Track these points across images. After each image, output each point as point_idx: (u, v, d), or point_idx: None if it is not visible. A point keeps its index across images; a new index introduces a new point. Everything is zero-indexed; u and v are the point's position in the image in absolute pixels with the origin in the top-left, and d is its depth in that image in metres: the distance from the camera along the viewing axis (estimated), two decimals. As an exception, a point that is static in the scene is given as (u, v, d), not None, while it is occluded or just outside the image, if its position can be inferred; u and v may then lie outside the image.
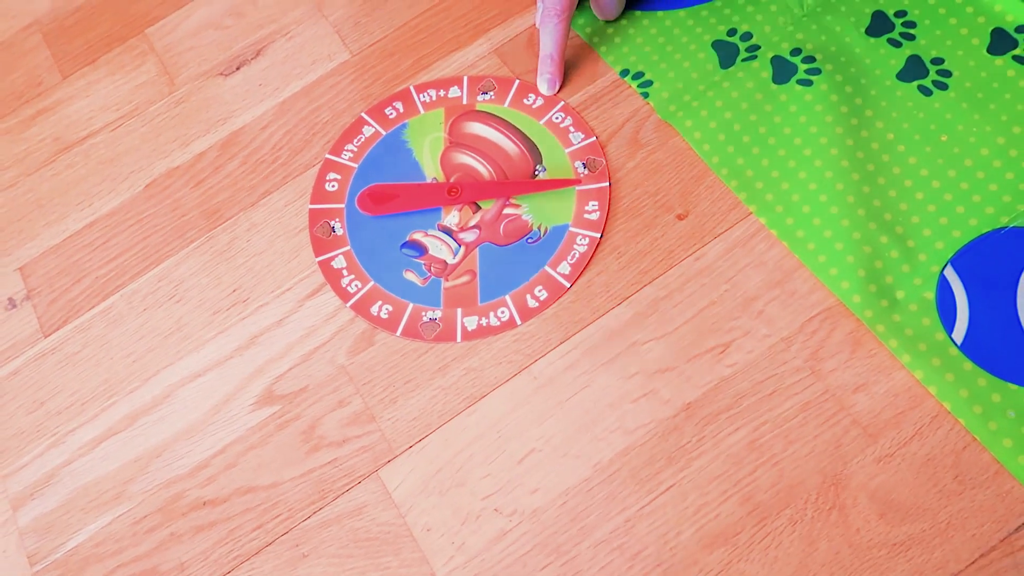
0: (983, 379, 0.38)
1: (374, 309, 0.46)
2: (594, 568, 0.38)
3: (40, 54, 0.60)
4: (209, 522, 0.42)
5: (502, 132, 0.50)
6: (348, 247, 0.48)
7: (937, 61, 0.47)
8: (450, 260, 0.46)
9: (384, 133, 0.51)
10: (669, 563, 0.38)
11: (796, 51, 0.48)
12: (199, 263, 0.49)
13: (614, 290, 0.44)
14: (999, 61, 0.46)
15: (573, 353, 0.43)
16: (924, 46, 0.47)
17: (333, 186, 0.50)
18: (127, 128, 0.55)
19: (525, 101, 0.51)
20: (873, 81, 0.47)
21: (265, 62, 0.56)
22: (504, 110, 0.51)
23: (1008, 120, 0.44)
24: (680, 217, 0.45)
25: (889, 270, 0.41)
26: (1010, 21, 0.47)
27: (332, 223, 0.49)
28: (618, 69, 0.50)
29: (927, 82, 0.46)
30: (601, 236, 0.46)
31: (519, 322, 0.44)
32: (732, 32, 0.50)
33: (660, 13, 0.52)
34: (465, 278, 0.46)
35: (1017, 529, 0.36)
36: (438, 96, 0.52)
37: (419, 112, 0.52)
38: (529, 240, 0.46)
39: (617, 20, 0.52)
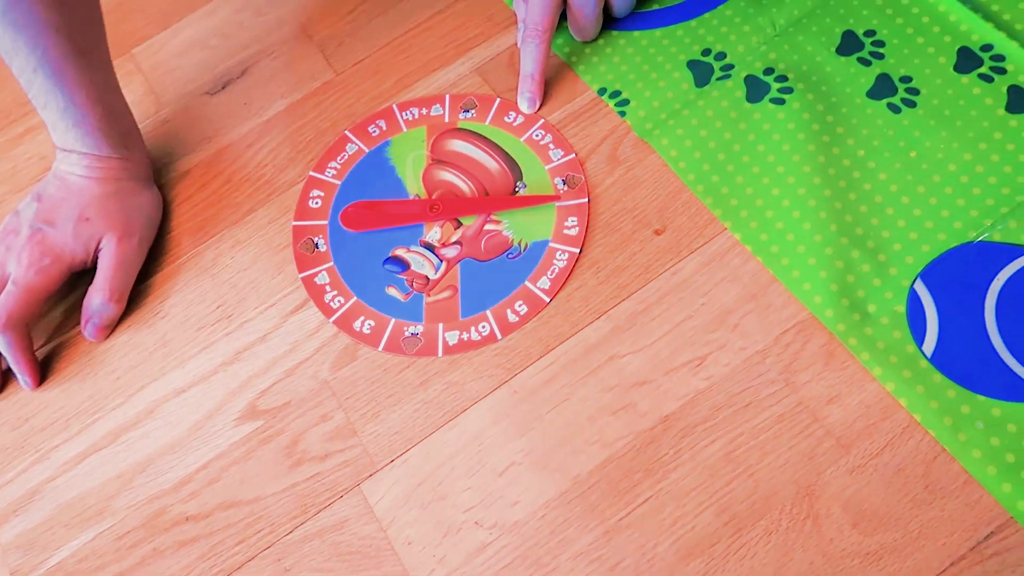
0: (952, 391, 0.39)
1: (357, 324, 0.46)
2: (573, 580, 0.39)
3: (27, 73, 0.60)
4: (192, 537, 0.42)
5: (483, 149, 0.51)
6: (331, 263, 0.48)
7: (906, 79, 0.48)
8: (432, 275, 0.47)
9: (367, 151, 0.52)
10: (647, 574, 0.38)
11: (769, 70, 0.50)
12: (184, 279, 0.50)
13: (593, 304, 0.45)
14: (965, 79, 0.47)
15: (553, 367, 0.44)
16: (893, 65, 0.49)
17: (317, 203, 0.51)
18: (113, 146, 0.55)
19: (506, 119, 0.52)
20: (844, 99, 0.48)
21: (250, 81, 0.57)
22: (485, 128, 0.52)
23: (974, 136, 0.45)
24: (657, 232, 0.46)
25: (861, 284, 0.42)
26: (976, 40, 0.48)
27: (316, 239, 0.49)
28: (596, 88, 0.51)
29: (896, 100, 0.47)
30: (580, 251, 0.46)
31: (500, 336, 0.45)
32: (707, 52, 0.51)
33: (637, 33, 0.53)
34: (447, 293, 0.46)
35: (986, 538, 0.37)
36: (420, 114, 0.53)
37: (402, 130, 0.52)
38: (510, 255, 0.47)
39: (595, 40, 0.53)
